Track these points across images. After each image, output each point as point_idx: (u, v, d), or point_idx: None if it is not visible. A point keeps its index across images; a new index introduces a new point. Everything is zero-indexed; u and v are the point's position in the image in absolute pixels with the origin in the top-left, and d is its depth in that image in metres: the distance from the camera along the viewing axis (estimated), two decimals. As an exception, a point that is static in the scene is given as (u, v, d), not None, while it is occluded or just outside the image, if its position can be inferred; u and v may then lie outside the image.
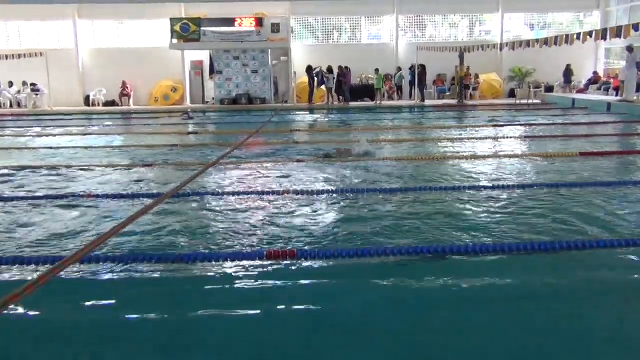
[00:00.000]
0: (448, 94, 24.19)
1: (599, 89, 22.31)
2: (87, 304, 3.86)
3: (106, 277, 4.26)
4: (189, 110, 19.88)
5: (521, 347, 3.18)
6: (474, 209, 6.01)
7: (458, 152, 9.95)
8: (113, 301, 3.93)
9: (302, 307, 3.79)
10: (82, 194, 6.85)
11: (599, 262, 4.44)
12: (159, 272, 4.34)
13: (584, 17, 25.77)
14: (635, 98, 18.02)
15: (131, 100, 24.34)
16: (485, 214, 5.77)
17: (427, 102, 22.54)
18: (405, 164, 8.78)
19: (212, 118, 20.07)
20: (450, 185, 7.06)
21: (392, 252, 4.58)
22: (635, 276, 4.26)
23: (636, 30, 13.30)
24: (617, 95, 19.83)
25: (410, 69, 23.54)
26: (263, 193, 6.83)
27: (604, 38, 14.85)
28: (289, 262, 4.45)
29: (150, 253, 4.66)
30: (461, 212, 5.85)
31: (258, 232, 5.31)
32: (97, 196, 6.74)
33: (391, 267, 4.43)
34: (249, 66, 23.95)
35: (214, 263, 4.48)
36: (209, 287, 4.15)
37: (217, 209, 6.24)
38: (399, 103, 23.21)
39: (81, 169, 8.78)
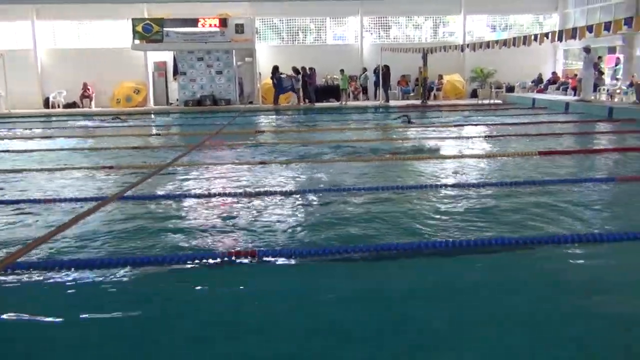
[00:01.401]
0: (412, 94, 24.43)
1: (558, 88, 22.86)
2: (30, 307, 3.75)
3: (54, 280, 4.15)
4: (117, 114, 19.32)
5: (485, 340, 3.23)
6: (436, 207, 6.08)
7: (420, 152, 10.05)
8: (66, 305, 3.83)
9: (263, 307, 3.76)
10: (36, 198, 6.68)
11: (553, 258, 4.53)
12: (114, 276, 4.25)
13: (543, 19, 26.38)
14: (592, 98, 18.54)
15: (92, 102, 23.84)
16: (446, 213, 5.84)
17: (392, 103, 22.72)
18: (368, 164, 8.83)
19: (175, 119, 19.82)
20: (412, 185, 7.11)
21: (354, 250, 4.60)
22: (590, 271, 4.36)
23: (591, 32, 13.67)
24: (575, 95, 20.35)
25: (375, 70, 23.71)
26: (223, 194, 6.77)
27: (560, 39, 15.23)
28: (250, 262, 4.42)
29: (105, 257, 4.57)
30: (423, 211, 5.90)
31: (218, 233, 5.26)
32: (53, 200, 6.58)
33: (354, 265, 4.44)
34: (214, 67, 23.74)
35: (172, 265, 4.41)
36: (167, 290, 4.08)
37: (174, 210, 6.16)
38: (364, 103, 23.34)
39: (38, 172, 8.56)
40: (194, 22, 22.92)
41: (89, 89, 23.74)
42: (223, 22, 22.93)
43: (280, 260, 4.48)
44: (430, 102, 22.81)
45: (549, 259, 4.49)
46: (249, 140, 12.25)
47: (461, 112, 19.22)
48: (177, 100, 24.04)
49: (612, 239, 4.75)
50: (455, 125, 14.39)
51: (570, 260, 4.47)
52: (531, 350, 3.10)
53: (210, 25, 22.97)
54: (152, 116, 21.40)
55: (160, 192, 6.94)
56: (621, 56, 21.26)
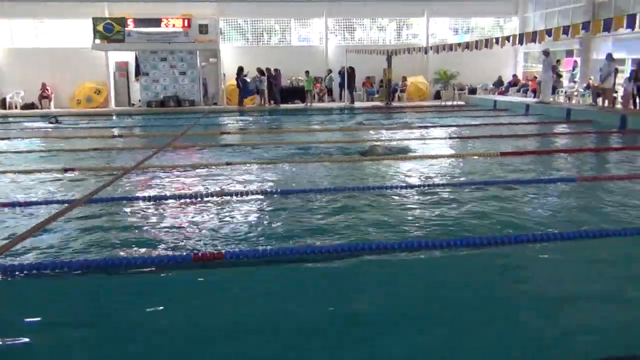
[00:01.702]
0: (377, 95, 24.60)
1: (518, 91, 23.36)
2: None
3: (21, 284, 4.04)
4: (56, 115, 18.80)
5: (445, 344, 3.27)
6: (401, 208, 6.14)
7: (385, 154, 10.12)
8: (30, 310, 3.72)
9: (230, 309, 3.73)
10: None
11: (515, 257, 4.63)
12: (80, 279, 4.15)
13: (503, 22, 26.92)
14: (551, 100, 19.02)
15: (52, 103, 23.22)
16: (411, 213, 5.90)
17: (357, 104, 22.83)
18: (334, 165, 8.86)
19: (138, 120, 19.47)
20: (378, 185, 7.16)
21: (321, 251, 4.60)
22: (548, 268, 4.46)
23: (550, 36, 14.01)
24: (534, 97, 20.84)
25: (339, 71, 23.79)
26: (188, 196, 6.70)
27: (521, 42, 15.56)
28: (217, 264, 4.38)
29: (71, 260, 4.46)
30: (390, 212, 5.95)
31: (185, 235, 5.19)
32: (12, 204, 6.38)
33: (321, 266, 4.44)
34: (177, 68, 23.42)
35: (138, 269, 4.34)
36: (133, 293, 4.01)
37: (139, 213, 6.06)
38: (329, 105, 23.39)
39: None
40: (156, 22, 22.57)
41: (47, 90, 23.11)
42: (186, 23, 22.66)
43: (248, 262, 4.46)
44: (394, 104, 23.02)
45: (510, 258, 4.58)
46: (214, 142, 12.14)
47: (425, 113, 19.45)
48: (140, 101, 23.62)
49: (573, 237, 4.87)
50: (419, 127, 14.55)
51: (532, 259, 4.58)
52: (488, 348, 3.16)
53: (174, 26, 22.66)
54: (114, 117, 21.00)
55: (124, 195, 6.82)
56: (578, 59, 21.88)
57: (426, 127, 14.56)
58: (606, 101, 16.48)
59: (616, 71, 16.64)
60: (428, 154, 9.84)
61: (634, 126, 13.07)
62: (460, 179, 7.61)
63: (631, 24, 11.12)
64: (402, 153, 9.90)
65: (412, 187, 7.05)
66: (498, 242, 4.74)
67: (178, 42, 22.68)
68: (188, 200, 6.56)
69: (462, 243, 4.74)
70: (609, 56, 16.36)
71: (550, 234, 4.97)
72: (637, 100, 15.97)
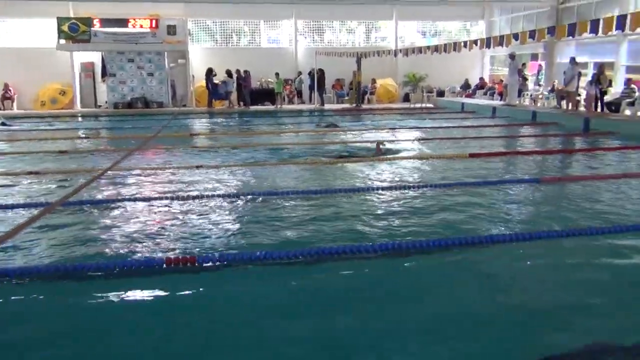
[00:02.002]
0: (347, 98, 24.72)
1: (485, 93, 23.78)
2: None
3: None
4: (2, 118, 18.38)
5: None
6: (372, 210, 6.18)
7: (357, 156, 10.19)
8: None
9: (203, 314, 3.69)
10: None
11: (483, 256, 4.70)
12: (50, 285, 4.06)
13: (470, 26, 27.36)
14: (517, 102, 19.41)
15: (14, 104, 22.65)
16: (382, 215, 5.94)
17: (327, 106, 22.90)
18: (304, 167, 8.86)
19: (104, 123, 19.13)
20: (348, 188, 7.18)
21: (294, 255, 4.59)
22: (519, 267, 4.55)
23: (517, 40, 14.31)
24: (501, 99, 21.23)
25: (309, 73, 23.85)
26: (158, 199, 6.61)
27: (488, 46, 15.86)
28: (189, 268, 4.34)
29: (40, 265, 4.36)
30: (360, 214, 5.97)
31: (156, 239, 5.12)
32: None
33: (293, 268, 4.43)
34: (145, 69, 23.10)
35: (108, 273, 4.26)
36: (104, 299, 3.93)
37: (108, 217, 5.95)
38: (299, 107, 23.39)
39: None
40: (123, 22, 22.23)
41: (10, 90, 22.54)
42: (154, 23, 22.38)
43: (221, 266, 4.42)
44: (364, 106, 23.16)
45: (480, 257, 4.65)
46: (184, 144, 12.01)
47: (395, 115, 19.62)
48: (106, 102, 23.23)
49: (538, 237, 4.97)
50: (389, 129, 14.67)
51: (500, 259, 4.66)
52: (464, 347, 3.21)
53: (141, 26, 22.36)
54: (80, 119, 20.59)
55: (93, 199, 6.68)
56: (543, 63, 22.39)
57: (396, 129, 14.68)
58: (570, 104, 16.89)
59: (579, 75, 17.08)
60: (398, 156, 9.91)
61: (597, 128, 13.42)
62: (429, 180, 7.68)
63: (594, 29, 11.45)
64: (370, 155, 9.96)
65: (380, 189, 7.09)
66: (463, 243, 4.80)
67: (145, 43, 22.38)
68: (158, 204, 6.47)
69: (434, 244, 4.79)
70: (572, 60, 16.79)
71: (514, 235, 5.04)
72: (600, 103, 16.44)
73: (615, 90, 17.49)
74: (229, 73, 22.30)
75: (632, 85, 16.21)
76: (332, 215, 5.88)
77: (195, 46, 24.42)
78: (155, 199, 6.64)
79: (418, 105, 22.96)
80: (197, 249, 4.82)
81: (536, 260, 4.62)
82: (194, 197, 6.64)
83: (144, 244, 4.98)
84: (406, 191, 6.95)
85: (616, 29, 11.21)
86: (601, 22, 11.41)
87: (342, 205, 6.32)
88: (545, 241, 4.92)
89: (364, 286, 4.12)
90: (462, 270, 4.43)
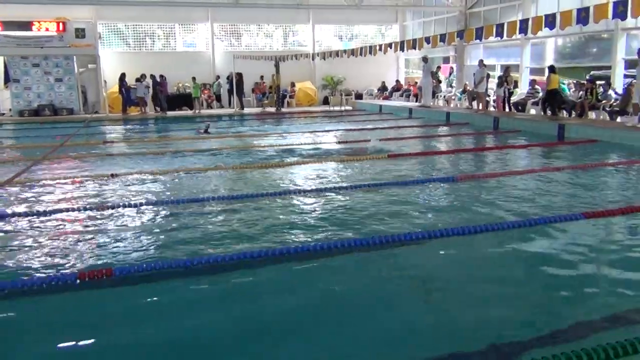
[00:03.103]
0: (266, 101, 24.62)
1: (401, 95, 24.44)
2: None
3: None
4: None
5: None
6: (293, 213, 6.16)
7: (274, 159, 10.15)
8: None
9: (121, 329, 3.52)
10: None
11: (402, 255, 4.80)
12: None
13: (385, 30, 28.06)
14: (431, 104, 20.07)
15: None
16: (304, 217, 5.94)
17: (246, 110, 22.71)
18: (222, 173, 8.72)
19: (8, 132, 17.95)
20: (268, 192, 7.11)
21: (215, 260, 4.49)
22: (433, 265, 4.67)
23: (429, 43, 14.83)
24: (416, 101, 21.89)
25: (228, 77, 23.57)
26: (71, 210, 6.27)
27: (402, 49, 16.33)
28: (105, 281, 4.13)
29: None
30: (281, 217, 5.95)
31: (68, 253, 4.85)
32: None
33: (214, 275, 4.33)
34: (52, 74, 21.92)
35: (16, 290, 3.98)
36: (6, 318, 3.67)
37: (16, 231, 5.57)
38: (218, 111, 23.05)
39: None
40: (27, 25, 21.01)
41: None
42: (61, 26, 21.32)
43: (138, 277, 4.24)
44: (284, 109, 23.17)
45: (399, 256, 4.74)
46: (97, 152, 11.49)
47: (315, 118, 19.75)
48: (10, 110, 21.85)
49: (456, 233, 5.13)
50: (309, 132, 14.74)
51: (418, 256, 4.78)
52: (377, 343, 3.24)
53: (47, 29, 21.24)
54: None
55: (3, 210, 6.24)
56: (454, 66, 23.31)
57: (316, 131, 14.78)
58: (480, 104, 17.67)
59: (488, 76, 17.93)
60: (318, 158, 9.96)
61: (505, 127, 14.13)
62: (350, 181, 7.77)
63: (500, 33, 12.06)
64: (288, 158, 9.96)
65: (301, 192, 7.09)
66: (384, 242, 4.87)
67: (52, 47, 21.29)
68: (70, 215, 6.14)
69: (355, 244, 4.83)
70: (481, 62, 17.59)
71: (431, 232, 5.17)
72: (507, 103, 17.32)
73: (520, 91, 18.52)
74: (140, 77, 21.53)
75: (536, 86, 17.20)
76: (251, 220, 5.81)
77: (106, 50, 23.49)
78: (67, 209, 6.29)
79: (337, 108, 23.24)
80: (114, 261, 4.60)
81: (454, 255, 4.77)
82: (107, 207, 6.35)
83: (53, 258, 4.69)
84: (325, 193, 6.98)
85: (519, 33, 11.86)
86: (505, 26, 12.04)
87: (262, 209, 6.26)
88: (461, 237, 5.08)
89: (288, 289, 4.09)
90: (383, 267, 4.49)
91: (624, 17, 10.09)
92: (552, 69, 15.29)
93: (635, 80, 11.96)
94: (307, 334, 3.41)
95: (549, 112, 15.04)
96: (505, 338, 3.18)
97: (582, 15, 10.16)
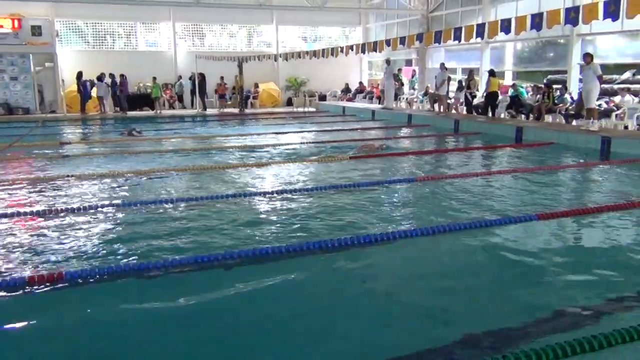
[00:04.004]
0: (229, 102, 24.42)
1: (365, 97, 24.59)
2: None
3: None
4: None
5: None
6: (253, 215, 6.12)
7: (239, 160, 10.08)
8: None
9: (73, 334, 3.43)
10: None
11: (363, 257, 4.83)
12: None
13: (349, 32, 28.21)
14: (394, 106, 20.25)
15: None
16: (264, 219, 5.91)
17: (209, 111, 22.49)
18: (182, 174, 8.60)
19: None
20: (228, 194, 7.06)
21: (172, 265, 4.42)
22: (401, 263, 4.71)
23: (389, 46, 14.97)
24: (379, 103, 22.06)
25: (190, 77, 23.30)
26: (22, 213, 6.09)
27: (363, 51, 16.45)
28: (56, 285, 4.02)
29: None
30: (241, 220, 5.89)
31: (16, 257, 4.70)
32: None
33: (171, 281, 4.26)
34: (7, 72, 21.25)
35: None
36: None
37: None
38: (180, 112, 22.76)
39: None
40: (-21, 22, 20.37)
41: None
42: (17, 23, 20.71)
43: (91, 281, 4.14)
44: (247, 110, 23.03)
45: (358, 258, 4.75)
46: (53, 153, 11.19)
47: (278, 119, 19.69)
48: (-37, 109, 21.11)
49: (415, 234, 5.18)
50: (273, 133, 14.68)
51: (378, 257, 4.81)
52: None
53: (1, 27, 20.61)
54: None
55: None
56: (416, 68, 23.60)
57: (279, 133, 14.74)
58: (442, 107, 17.93)
59: (449, 79, 18.20)
60: (280, 160, 9.93)
61: (466, 129, 14.36)
62: (311, 183, 7.77)
63: (458, 37, 12.25)
64: (250, 160, 9.90)
65: (264, 193, 7.04)
66: (343, 244, 4.89)
67: (6, 45, 20.65)
68: (21, 217, 5.95)
69: (314, 246, 4.83)
70: (442, 65, 17.84)
71: (391, 234, 5.21)
72: (469, 106, 17.62)
73: (480, 94, 18.85)
74: (98, 77, 21.08)
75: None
76: (209, 223, 5.75)
77: (65, 49, 22.93)
78: (17, 213, 6.10)
79: (301, 110, 23.24)
80: (65, 265, 4.48)
81: (415, 255, 4.82)
82: (62, 210, 6.18)
83: (1, 263, 4.55)
84: (287, 195, 6.96)
85: (476, 37, 12.07)
86: (463, 30, 12.24)
87: (221, 212, 6.20)
88: (420, 238, 5.13)
89: (242, 292, 4.05)
90: (342, 270, 4.51)
91: (575, 24, 10.38)
92: (492, 72, 16.23)
93: (582, 84, 12.33)
94: (262, 337, 3.38)
95: (489, 114, 15.78)
96: (459, 335, 3.22)
97: (536, 21, 10.40)
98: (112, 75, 21.33)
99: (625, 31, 14.59)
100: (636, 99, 13.12)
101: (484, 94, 16.84)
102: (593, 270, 4.38)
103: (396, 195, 7.19)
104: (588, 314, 3.57)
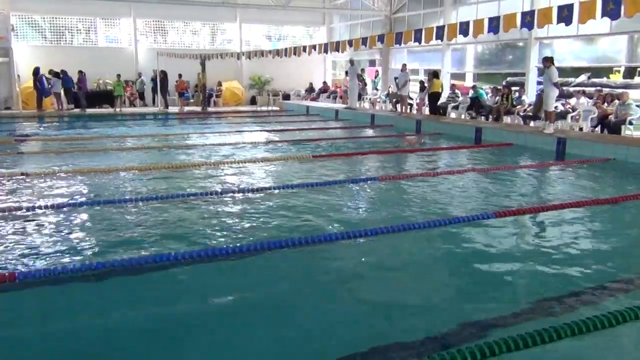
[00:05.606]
0: (192, 100, 24.15)
1: (328, 97, 24.66)
2: None
3: None
4: None
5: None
6: (216, 213, 6.08)
7: (200, 159, 9.99)
8: None
9: (28, 336, 3.35)
10: None
11: (328, 255, 4.85)
12: None
13: (313, 31, 28.25)
14: (357, 106, 20.36)
15: None
16: (227, 219, 5.87)
17: (171, 109, 22.18)
18: (144, 173, 8.47)
19: None
20: (193, 192, 7.00)
21: (131, 263, 4.36)
22: (362, 261, 4.75)
23: (351, 46, 15.08)
24: (343, 103, 22.15)
25: (152, 78, 22.92)
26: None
27: (326, 51, 16.52)
28: (8, 287, 3.91)
29: None
30: (205, 219, 5.85)
31: (-34, 257, 4.55)
32: None
33: (128, 279, 4.20)
34: (-41, 67, 20.58)
35: None
36: None
37: None
38: (141, 110, 22.37)
39: None
40: None
41: None
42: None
43: (45, 282, 4.04)
44: (210, 109, 22.81)
45: (326, 256, 4.78)
46: (6, 151, 10.86)
47: (241, 118, 19.57)
48: None
49: (375, 232, 5.23)
50: (235, 132, 14.59)
51: (339, 255, 4.84)
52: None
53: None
54: None
55: None
56: (379, 69, 23.80)
57: (242, 131, 14.65)
58: (404, 107, 18.12)
59: (409, 80, 18.42)
60: (243, 159, 9.87)
61: (427, 129, 14.56)
62: (272, 182, 7.76)
63: (418, 38, 12.43)
64: (211, 158, 9.82)
65: (227, 192, 6.99)
66: (303, 242, 4.90)
67: (-41, 38, 19.95)
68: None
69: (275, 245, 4.83)
70: (404, 66, 18.04)
71: (351, 232, 5.24)
72: (429, 106, 17.87)
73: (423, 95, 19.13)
74: (54, 73, 20.52)
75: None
76: (170, 221, 5.69)
77: (21, 44, 22.28)
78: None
79: (264, 108, 23.14)
80: (19, 266, 4.36)
81: (373, 254, 4.87)
82: (15, 208, 6.01)
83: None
84: (248, 194, 6.93)
85: (436, 39, 12.27)
86: (423, 32, 12.42)
87: (184, 210, 6.14)
88: (381, 236, 5.19)
89: (210, 291, 4.03)
90: (300, 267, 4.52)
91: (531, 27, 10.66)
92: (435, 74, 16.89)
93: (542, 87, 12.64)
94: (225, 334, 3.37)
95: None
96: (419, 331, 3.27)
97: (494, 24, 10.64)
98: (64, 72, 20.70)
99: (580, 35, 15.04)
100: (590, 101, 13.53)
101: (426, 94, 17.39)
102: (548, 265, 4.50)
103: (358, 194, 7.24)
104: (544, 307, 3.67)
